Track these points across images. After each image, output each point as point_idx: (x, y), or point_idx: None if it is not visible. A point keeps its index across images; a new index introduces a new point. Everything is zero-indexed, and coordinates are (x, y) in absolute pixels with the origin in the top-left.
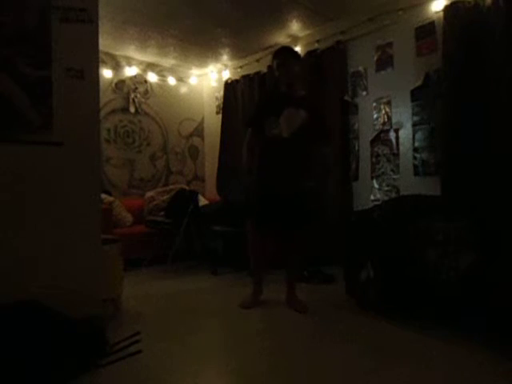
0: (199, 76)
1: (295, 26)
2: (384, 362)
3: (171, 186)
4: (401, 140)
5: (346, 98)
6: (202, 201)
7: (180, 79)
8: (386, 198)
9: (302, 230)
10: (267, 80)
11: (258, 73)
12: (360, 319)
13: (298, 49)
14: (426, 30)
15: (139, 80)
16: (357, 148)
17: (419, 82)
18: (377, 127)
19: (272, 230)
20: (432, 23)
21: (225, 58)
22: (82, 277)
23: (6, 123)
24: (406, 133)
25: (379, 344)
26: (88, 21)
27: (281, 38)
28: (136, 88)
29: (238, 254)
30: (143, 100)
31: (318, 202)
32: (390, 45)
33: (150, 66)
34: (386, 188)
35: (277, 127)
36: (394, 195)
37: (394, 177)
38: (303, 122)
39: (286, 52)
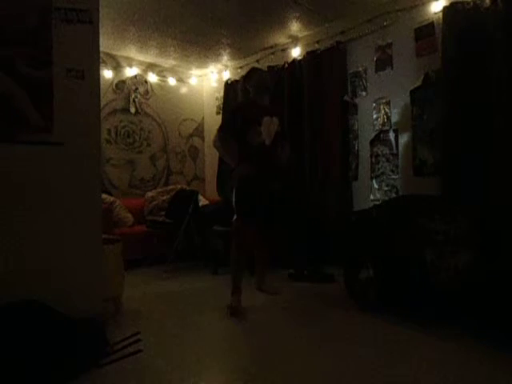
0: (199, 76)
1: (295, 27)
2: (384, 361)
3: (171, 186)
4: (400, 140)
5: (346, 98)
6: (202, 201)
7: (180, 80)
8: (385, 198)
9: (271, 225)
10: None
11: None
12: (360, 319)
13: (298, 49)
14: (426, 30)
15: (140, 80)
16: (356, 148)
17: (418, 83)
18: (376, 127)
19: (254, 225)
20: (431, 24)
21: (225, 58)
22: (82, 276)
23: (6, 123)
24: (405, 133)
25: (379, 343)
26: (89, 21)
27: (281, 39)
28: (136, 88)
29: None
30: (143, 100)
31: (282, 202)
32: (389, 45)
33: (151, 67)
34: (386, 188)
35: (259, 136)
36: (393, 195)
37: (394, 177)
38: (277, 128)
39: (255, 73)
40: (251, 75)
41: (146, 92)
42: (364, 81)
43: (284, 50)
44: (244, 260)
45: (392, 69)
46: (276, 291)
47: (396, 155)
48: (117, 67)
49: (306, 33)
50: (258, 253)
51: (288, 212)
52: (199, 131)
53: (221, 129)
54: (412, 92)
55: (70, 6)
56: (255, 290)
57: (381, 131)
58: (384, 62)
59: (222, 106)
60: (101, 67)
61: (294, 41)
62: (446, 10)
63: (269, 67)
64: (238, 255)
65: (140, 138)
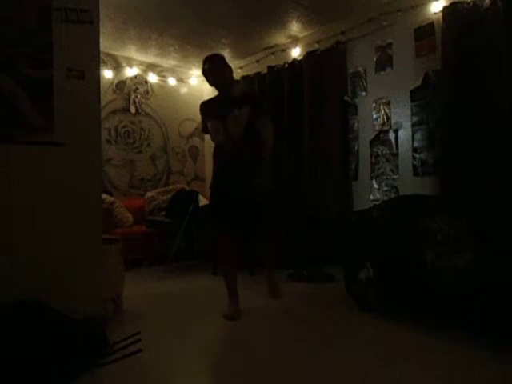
0: (199, 76)
1: (295, 27)
2: (384, 361)
3: (171, 186)
4: (400, 140)
5: (346, 98)
6: (202, 201)
7: (180, 80)
8: (385, 198)
9: (265, 224)
10: (267, 80)
11: (257, 73)
12: (360, 319)
13: (298, 49)
14: (425, 30)
15: (140, 80)
16: (356, 148)
17: (418, 83)
18: (376, 127)
19: (236, 229)
20: (431, 24)
21: None
22: (82, 276)
23: (6, 123)
24: (405, 133)
25: (379, 344)
26: (89, 21)
27: (281, 39)
28: (136, 88)
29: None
30: (144, 100)
31: (269, 196)
32: (389, 45)
33: (151, 67)
34: (386, 188)
35: (226, 131)
36: (393, 195)
37: (394, 177)
38: (248, 116)
39: (207, 71)
40: (207, 76)
41: (146, 92)
42: (364, 81)
43: (284, 50)
44: (233, 269)
45: (392, 69)
46: (275, 295)
47: (396, 155)
48: (117, 67)
49: (305, 33)
50: (264, 250)
51: (283, 208)
52: (199, 131)
53: (204, 130)
54: (412, 92)
55: (70, 6)
56: (255, 289)
57: (381, 131)
58: (384, 62)
59: None
60: (101, 67)
61: (294, 41)
62: (445, 10)
63: (269, 67)
64: (224, 267)
65: (140, 138)
